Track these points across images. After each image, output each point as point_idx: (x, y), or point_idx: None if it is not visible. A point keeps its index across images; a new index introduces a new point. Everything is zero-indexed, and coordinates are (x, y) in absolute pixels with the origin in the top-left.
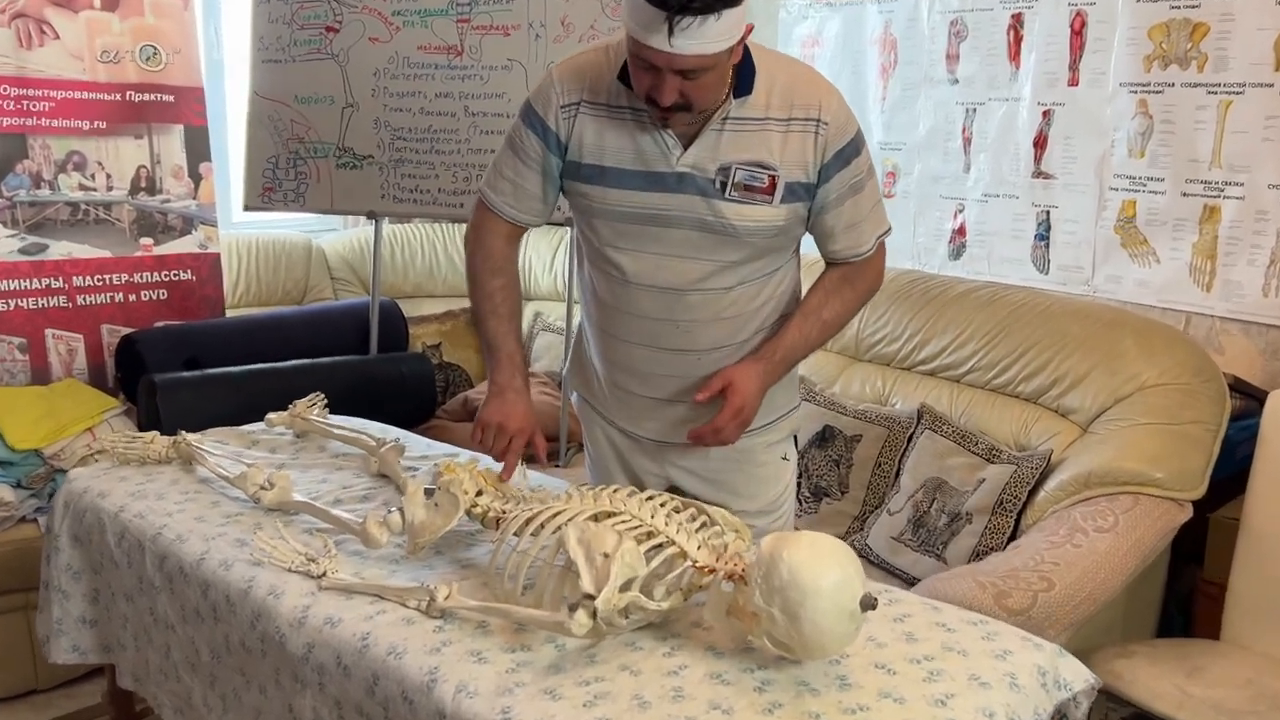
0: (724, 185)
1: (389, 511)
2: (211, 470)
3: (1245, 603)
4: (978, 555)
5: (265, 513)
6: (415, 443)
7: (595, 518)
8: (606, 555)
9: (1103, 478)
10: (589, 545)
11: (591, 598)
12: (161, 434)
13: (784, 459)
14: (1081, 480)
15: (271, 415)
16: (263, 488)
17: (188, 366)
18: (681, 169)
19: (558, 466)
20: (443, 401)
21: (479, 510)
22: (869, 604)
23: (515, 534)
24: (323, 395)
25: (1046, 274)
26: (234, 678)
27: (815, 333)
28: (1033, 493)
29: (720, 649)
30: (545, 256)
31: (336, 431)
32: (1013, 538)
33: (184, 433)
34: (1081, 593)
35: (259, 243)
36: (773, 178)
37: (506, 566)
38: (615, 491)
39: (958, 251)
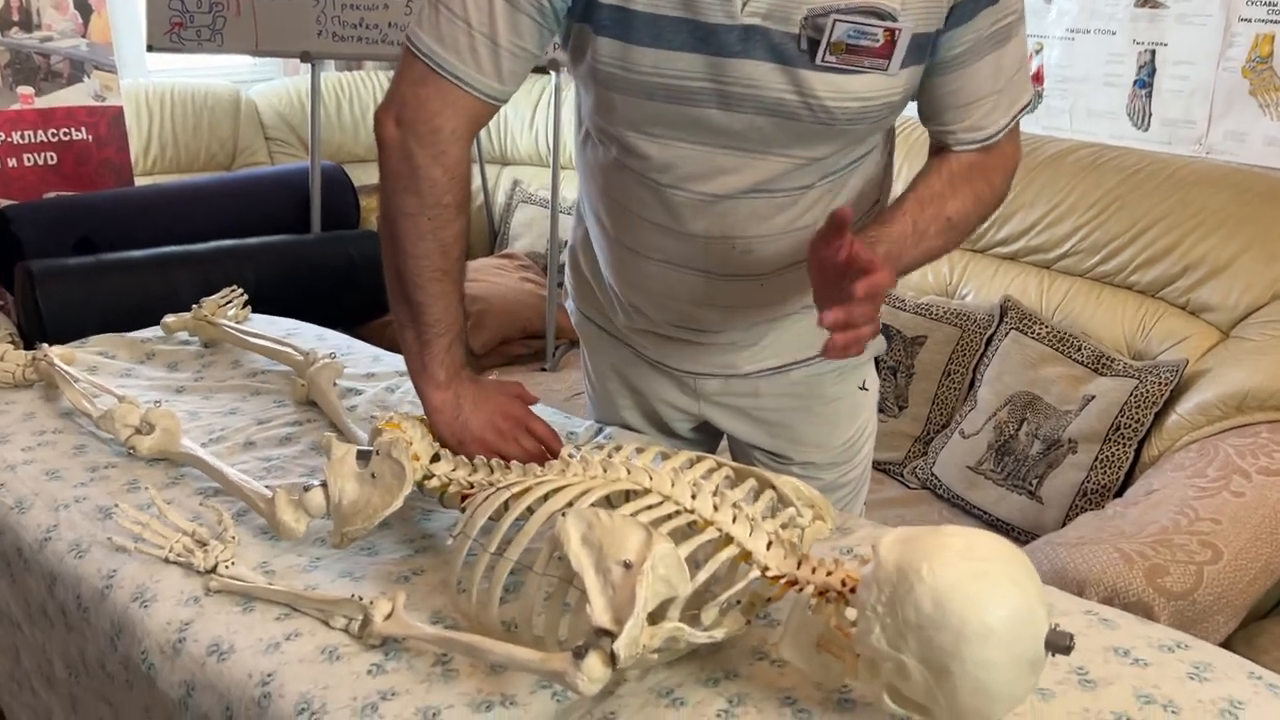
0: (814, 45)
1: (307, 487)
2: (74, 403)
3: None
4: (1086, 495)
5: (147, 465)
6: (359, 354)
7: (609, 500)
8: (628, 565)
9: (1264, 400)
10: (600, 549)
11: (608, 634)
12: (45, 338)
13: (862, 388)
14: (1232, 401)
15: (170, 318)
16: (138, 431)
17: (79, 250)
18: (748, 20)
19: (544, 370)
20: None
21: (435, 484)
22: (1061, 645)
23: (491, 518)
24: (240, 289)
25: (1145, 130)
26: (99, 706)
27: (934, 231)
28: (1159, 416)
29: (799, 697)
30: (523, 111)
31: (253, 341)
32: (1130, 474)
33: (47, 346)
34: (1256, 563)
35: (175, 95)
36: (891, 32)
37: (477, 569)
38: (637, 454)
39: (1032, 103)
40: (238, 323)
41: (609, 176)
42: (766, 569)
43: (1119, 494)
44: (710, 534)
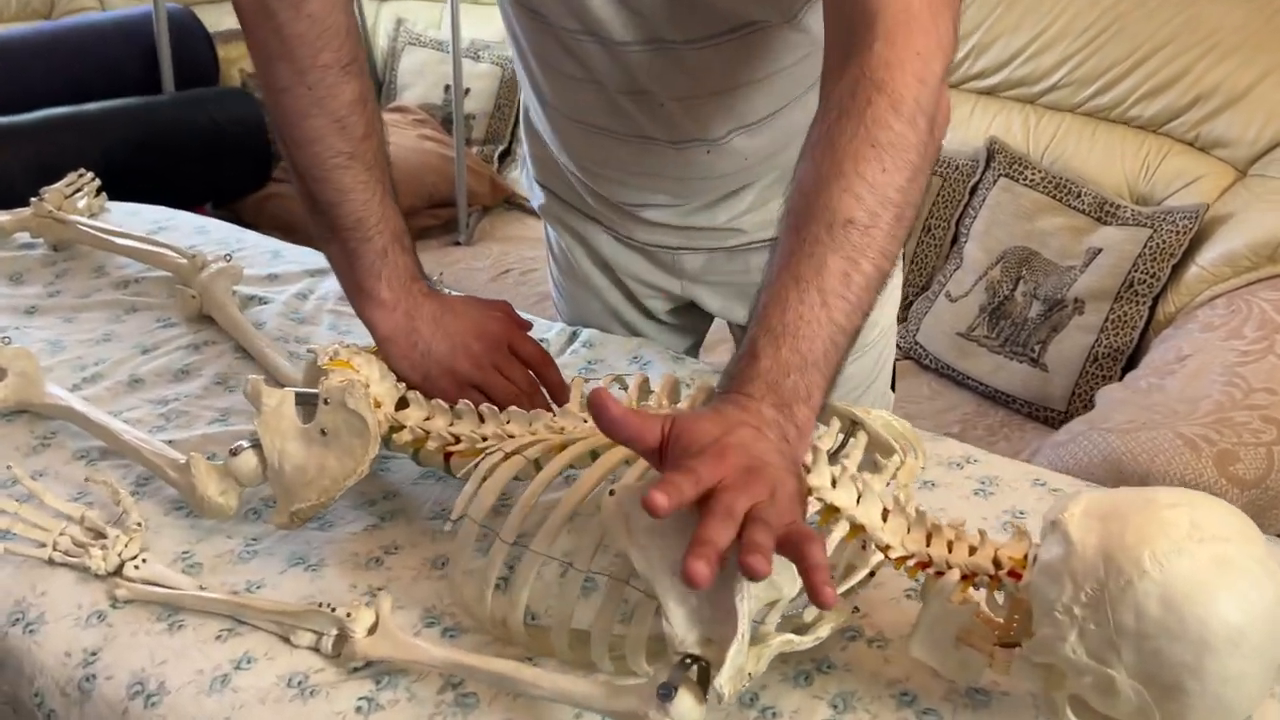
0: None
1: (235, 450)
2: None
3: None
4: (1097, 361)
5: (1, 424)
6: (252, 249)
7: None
8: None
9: None
10: (669, 538)
11: (699, 663)
12: None
13: None
14: (1265, 250)
15: (1, 216)
16: None
17: None
18: None
19: (459, 244)
20: (280, 158)
21: (406, 437)
22: None
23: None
24: (90, 173)
25: None
26: None
27: (847, 265)
28: (1176, 268)
29: (917, 691)
30: None
31: (118, 242)
32: (1144, 334)
33: None
34: None
35: None
36: None
37: (493, 566)
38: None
39: None
40: (91, 216)
41: (523, 25)
42: (888, 548)
43: (1132, 357)
44: (813, 502)
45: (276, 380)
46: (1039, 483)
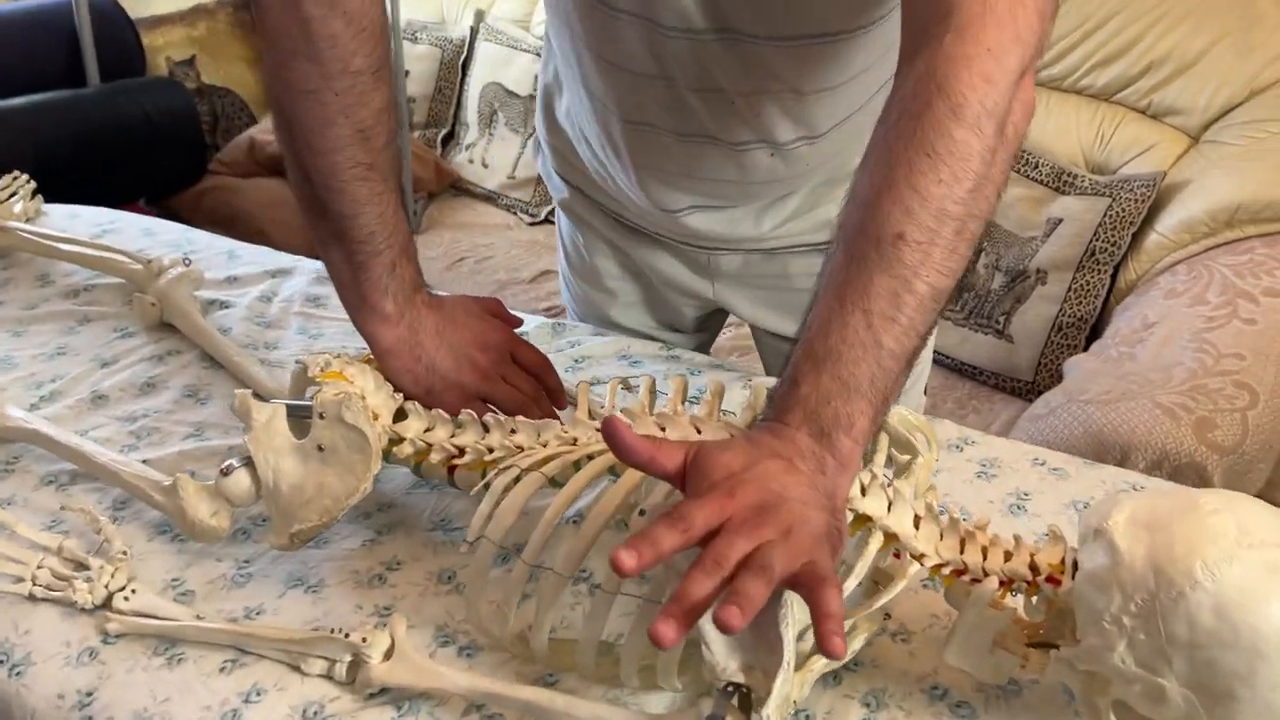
0: None
1: (226, 470)
2: None
3: None
4: (1061, 330)
5: None
6: (205, 250)
7: None
8: None
9: (1256, 212)
10: None
11: (740, 690)
12: None
13: None
14: (1222, 216)
15: None
16: None
17: None
18: None
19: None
20: (216, 148)
21: (407, 450)
22: None
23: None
24: (24, 175)
25: None
26: None
27: (897, 284)
28: (1136, 236)
29: (948, 685)
30: None
31: (64, 249)
32: (1106, 302)
33: None
34: None
35: None
36: None
37: (515, 590)
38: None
39: None
40: (29, 220)
41: (583, 14)
42: (922, 556)
43: (1095, 326)
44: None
45: (254, 391)
46: (1039, 462)
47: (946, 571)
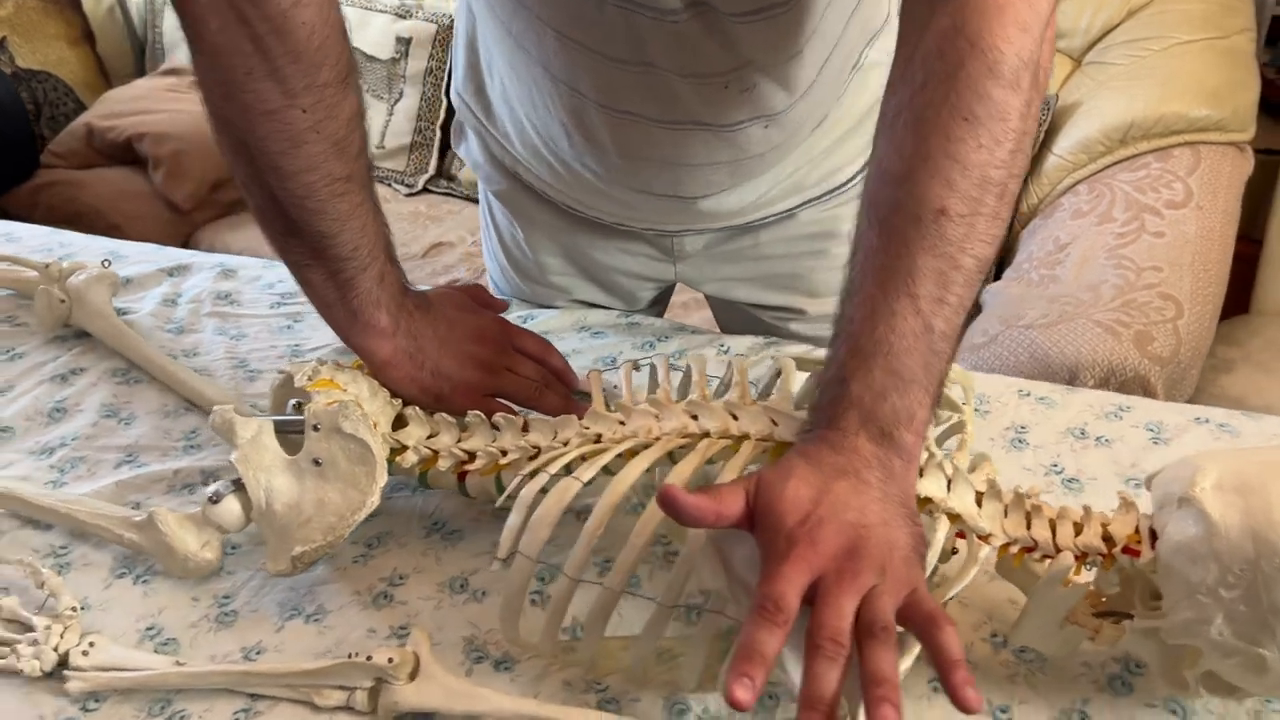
0: None
1: (214, 496)
2: None
3: None
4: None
5: None
6: (82, 252)
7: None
8: None
9: (1148, 128)
10: None
11: None
12: None
13: None
14: (1116, 135)
15: None
16: None
17: None
18: None
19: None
20: (43, 139)
21: (412, 459)
22: None
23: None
24: None
25: None
26: None
27: (943, 263)
28: (1034, 160)
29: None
30: None
31: None
32: (1010, 227)
33: None
34: (1207, 306)
35: None
36: None
37: (560, 607)
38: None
39: None
40: None
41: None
42: (989, 537)
43: (1004, 251)
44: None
45: (195, 404)
46: (1024, 394)
47: (1015, 550)
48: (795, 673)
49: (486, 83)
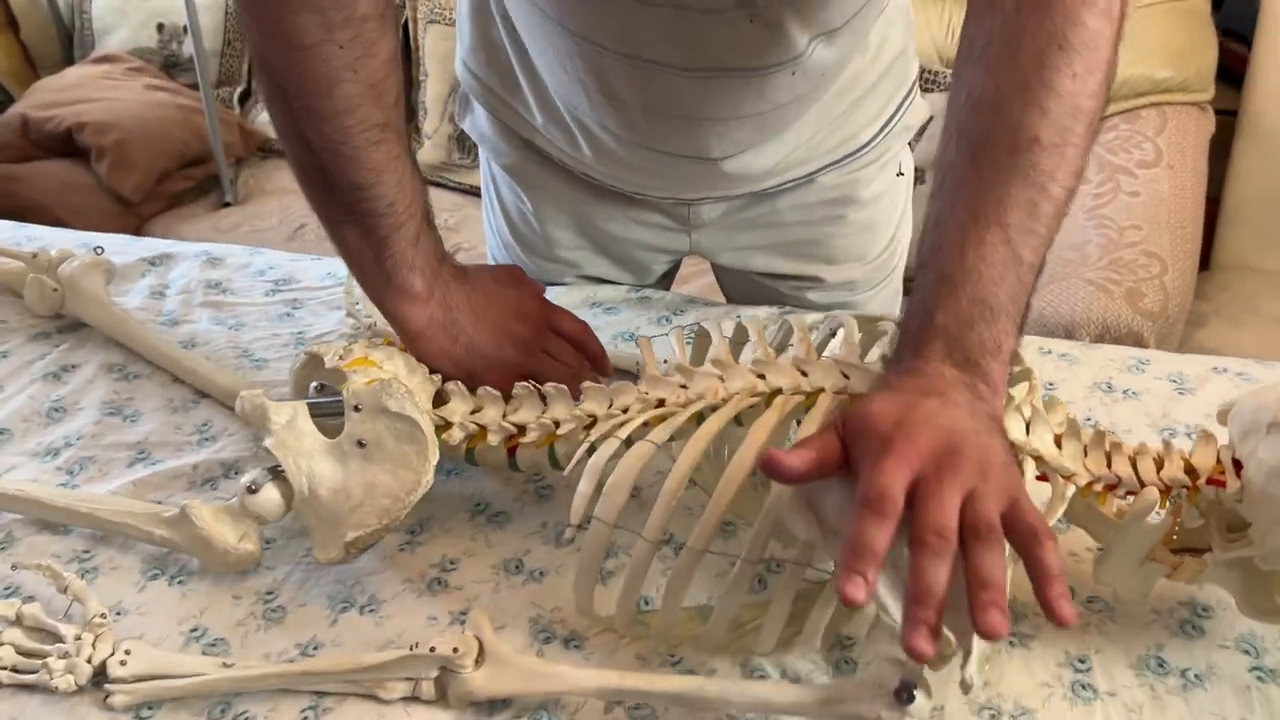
0: None
1: (252, 486)
2: None
3: (1248, 219)
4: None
5: None
6: (52, 245)
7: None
8: None
9: (1115, 90)
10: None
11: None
12: None
13: (899, 175)
14: None
15: None
16: None
17: None
18: None
19: (228, 205)
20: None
21: (458, 435)
22: None
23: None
24: None
25: None
26: None
27: (1034, 193)
28: None
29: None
30: None
31: None
32: None
33: None
34: (1188, 262)
35: None
36: None
37: (639, 571)
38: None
39: None
40: None
41: None
42: (1073, 476)
43: None
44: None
45: (206, 394)
46: (1045, 351)
47: (1099, 489)
48: (895, 609)
49: (499, 51)
